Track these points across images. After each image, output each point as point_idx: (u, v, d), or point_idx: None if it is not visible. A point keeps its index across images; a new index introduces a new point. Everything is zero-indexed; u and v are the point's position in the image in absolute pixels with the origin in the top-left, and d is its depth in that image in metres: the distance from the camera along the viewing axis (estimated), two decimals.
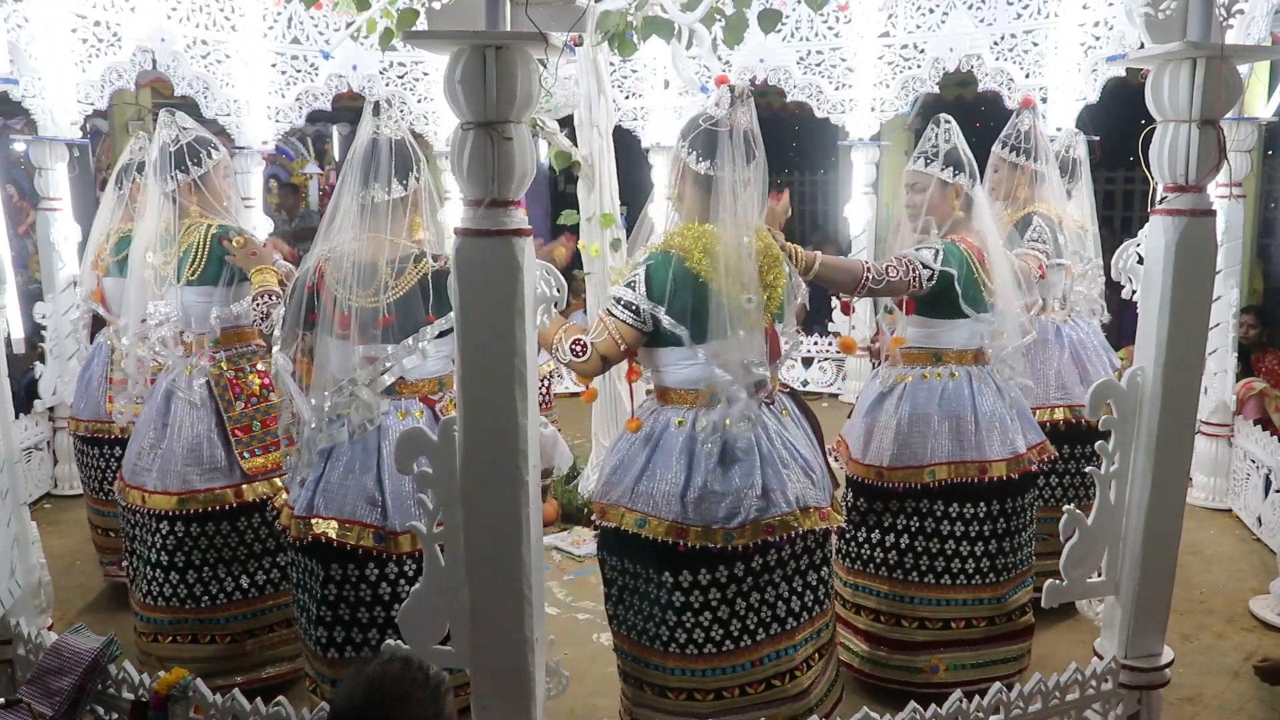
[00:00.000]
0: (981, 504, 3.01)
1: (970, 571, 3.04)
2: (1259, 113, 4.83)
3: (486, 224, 2.03)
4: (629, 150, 6.71)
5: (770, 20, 3.52)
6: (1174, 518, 2.60)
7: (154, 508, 3.08)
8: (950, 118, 3.02)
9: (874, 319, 3.29)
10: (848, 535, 3.17)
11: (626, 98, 6.33)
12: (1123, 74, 4.88)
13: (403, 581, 2.60)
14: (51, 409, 5.15)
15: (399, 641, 2.28)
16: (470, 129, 2.01)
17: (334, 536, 2.53)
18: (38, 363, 5.06)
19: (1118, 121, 6.07)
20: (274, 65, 5.79)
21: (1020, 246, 3.51)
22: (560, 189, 10.76)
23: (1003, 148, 3.70)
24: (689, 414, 2.48)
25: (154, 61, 5.26)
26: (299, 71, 5.85)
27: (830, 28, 5.95)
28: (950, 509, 3.02)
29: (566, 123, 4.68)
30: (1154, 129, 2.45)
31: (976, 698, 2.49)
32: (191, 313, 3.18)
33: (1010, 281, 3.04)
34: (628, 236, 4.74)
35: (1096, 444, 2.60)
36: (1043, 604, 2.67)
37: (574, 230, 4.65)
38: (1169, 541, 2.61)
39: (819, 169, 10.82)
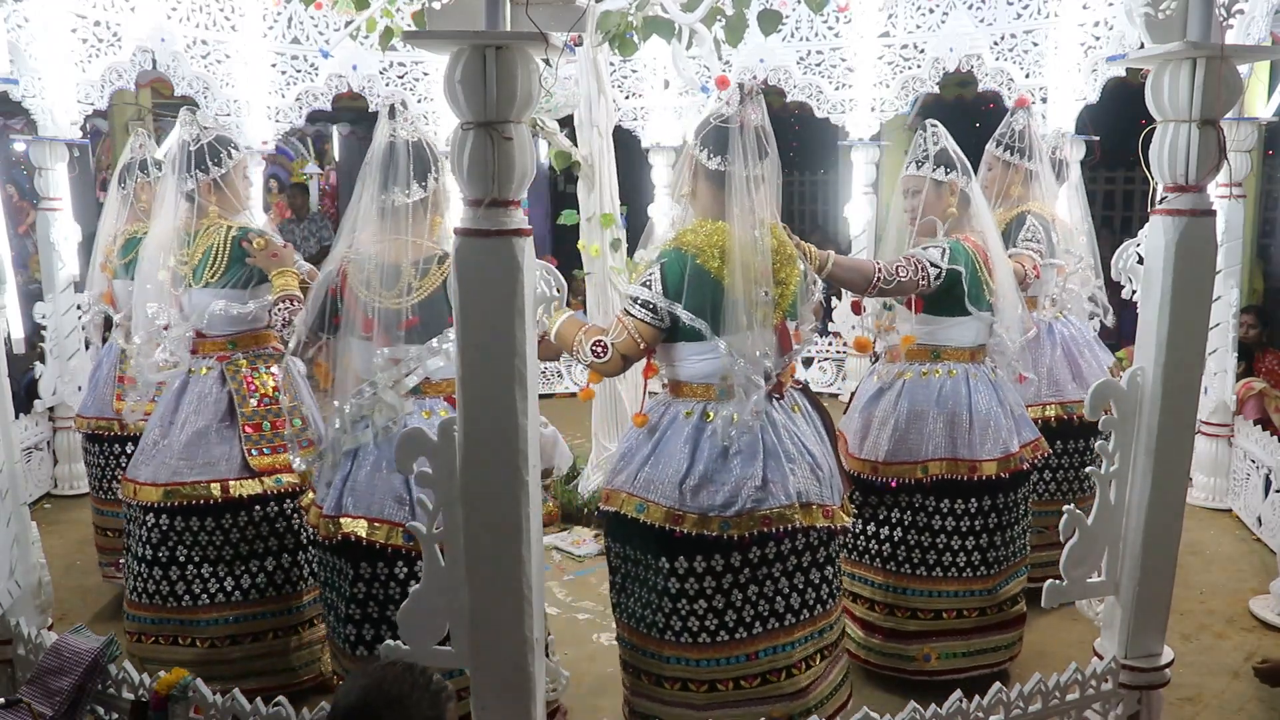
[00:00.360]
0: (973, 500, 3.08)
1: (962, 564, 3.11)
2: (1259, 113, 4.83)
3: (486, 224, 2.03)
4: (629, 150, 6.71)
5: (770, 22, 3.53)
6: (1174, 518, 2.61)
7: (142, 500, 3.07)
8: (936, 122, 3.13)
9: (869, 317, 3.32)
10: None
11: (626, 98, 6.33)
12: (1123, 74, 4.88)
13: None
14: (52, 409, 5.14)
15: (398, 642, 2.28)
16: (470, 129, 2.01)
17: (363, 535, 2.53)
18: (38, 363, 5.06)
19: (1118, 121, 6.05)
20: (274, 65, 5.78)
21: (1014, 246, 3.54)
22: (560, 189, 10.77)
23: (997, 146, 3.75)
24: (698, 406, 2.53)
25: (154, 61, 5.26)
26: (299, 71, 5.85)
27: (830, 28, 5.94)
28: (943, 504, 3.09)
29: (566, 123, 4.68)
30: (1154, 129, 2.45)
31: (976, 697, 2.49)
32: (209, 314, 3.15)
33: (1010, 280, 3.10)
34: (627, 236, 4.76)
35: (1097, 444, 2.61)
36: (1043, 604, 2.68)
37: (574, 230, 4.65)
38: (1169, 541, 2.61)
39: (819, 169, 10.83)
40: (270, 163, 8.70)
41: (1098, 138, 5.24)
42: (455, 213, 2.30)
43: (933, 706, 2.45)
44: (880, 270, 2.90)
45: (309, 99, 5.97)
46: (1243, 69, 3.93)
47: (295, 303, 2.98)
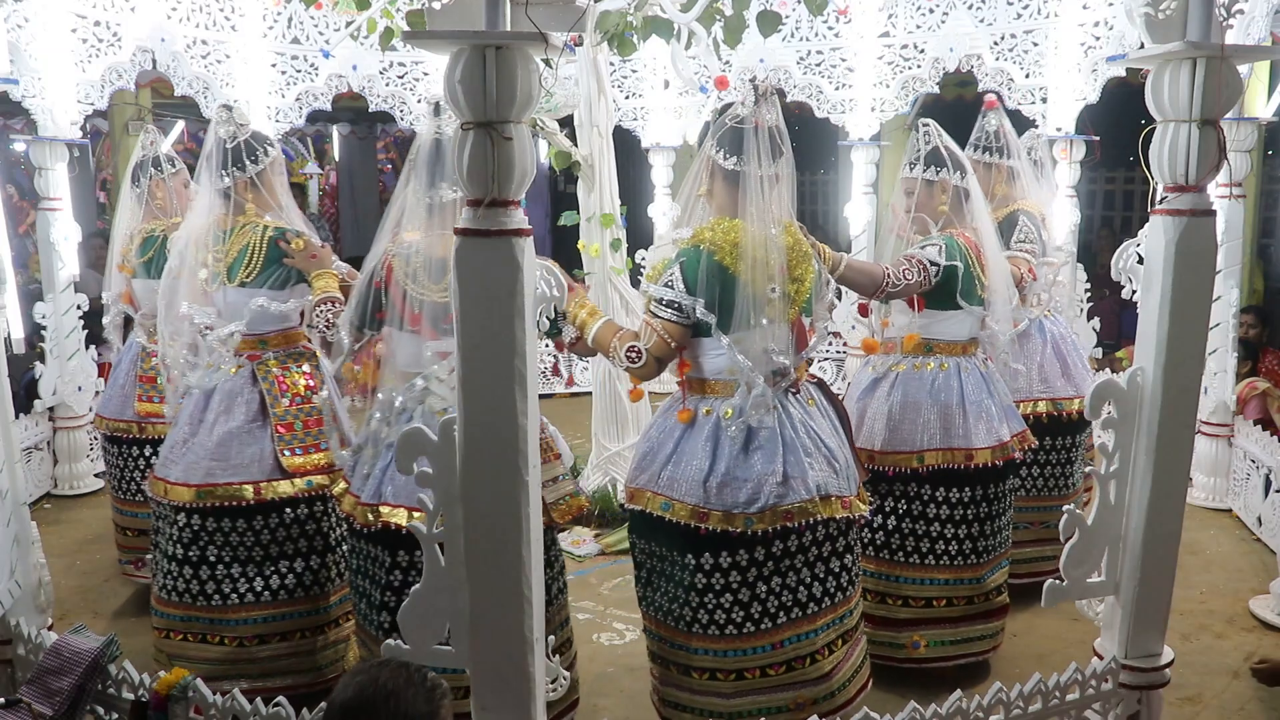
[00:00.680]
0: (966, 488, 3.16)
1: (953, 553, 3.18)
2: (1259, 113, 4.83)
3: (486, 224, 2.04)
4: (629, 150, 6.72)
5: (769, 24, 3.54)
6: (1174, 518, 2.61)
7: (174, 499, 3.05)
8: (929, 121, 3.21)
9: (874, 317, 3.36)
10: None
11: (626, 98, 6.33)
12: (1123, 74, 4.88)
13: None
14: (52, 409, 5.14)
15: (399, 641, 2.28)
16: (470, 129, 2.01)
17: (403, 524, 2.53)
18: (38, 363, 5.06)
19: (1118, 121, 6.07)
20: (274, 65, 5.78)
21: (1008, 249, 3.57)
22: (560, 189, 10.78)
23: (974, 150, 3.82)
24: (717, 403, 2.59)
25: (154, 61, 5.26)
26: (299, 71, 5.85)
27: (830, 28, 5.94)
28: (937, 493, 3.16)
29: (566, 123, 4.69)
30: (1154, 129, 2.45)
31: (976, 697, 2.50)
32: (250, 311, 3.12)
33: (1002, 274, 3.18)
34: (627, 236, 4.76)
35: (1097, 444, 2.61)
36: (1043, 604, 2.68)
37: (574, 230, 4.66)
38: (1169, 541, 2.61)
39: (819, 169, 10.83)
40: None
41: (1098, 138, 5.24)
42: None
43: (933, 706, 2.45)
44: (889, 275, 2.99)
45: (309, 99, 5.97)
46: (1243, 69, 3.93)
47: (337, 304, 2.96)
